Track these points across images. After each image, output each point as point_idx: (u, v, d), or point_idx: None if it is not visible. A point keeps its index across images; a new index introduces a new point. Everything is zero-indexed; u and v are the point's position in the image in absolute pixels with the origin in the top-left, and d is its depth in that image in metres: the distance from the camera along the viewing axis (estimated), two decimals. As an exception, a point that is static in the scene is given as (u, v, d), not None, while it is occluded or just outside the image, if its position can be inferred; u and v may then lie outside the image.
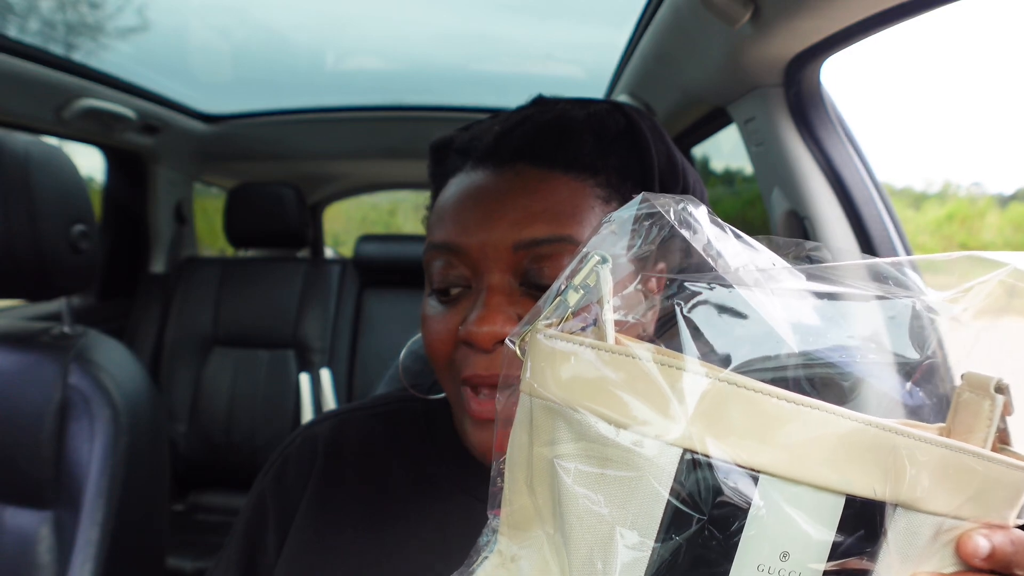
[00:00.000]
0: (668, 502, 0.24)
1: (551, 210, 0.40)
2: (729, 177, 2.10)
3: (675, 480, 0.24)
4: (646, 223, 0.28)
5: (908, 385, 0.30)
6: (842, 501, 0.24)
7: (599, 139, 0.43)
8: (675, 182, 0.46)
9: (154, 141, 1.93)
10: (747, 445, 0.24)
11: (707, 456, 0.24)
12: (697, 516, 0.24)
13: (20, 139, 0.83)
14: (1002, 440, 0.30)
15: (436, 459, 0.50)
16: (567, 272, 0.28)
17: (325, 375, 1.88)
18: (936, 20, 0.70)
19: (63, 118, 1.51)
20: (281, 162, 2.48)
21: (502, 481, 0.29)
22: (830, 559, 0.24)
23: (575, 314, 0.28)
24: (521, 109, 0.46)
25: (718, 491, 0.24)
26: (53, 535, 0.82)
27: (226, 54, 2.06)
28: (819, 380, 0.28)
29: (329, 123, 2.20)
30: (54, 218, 0.84)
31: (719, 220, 0.29)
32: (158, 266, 2.15)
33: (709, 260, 0.27)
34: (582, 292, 0.28)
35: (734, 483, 0.24)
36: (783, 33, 0.78)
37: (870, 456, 0.25)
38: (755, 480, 0.24)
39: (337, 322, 2.05)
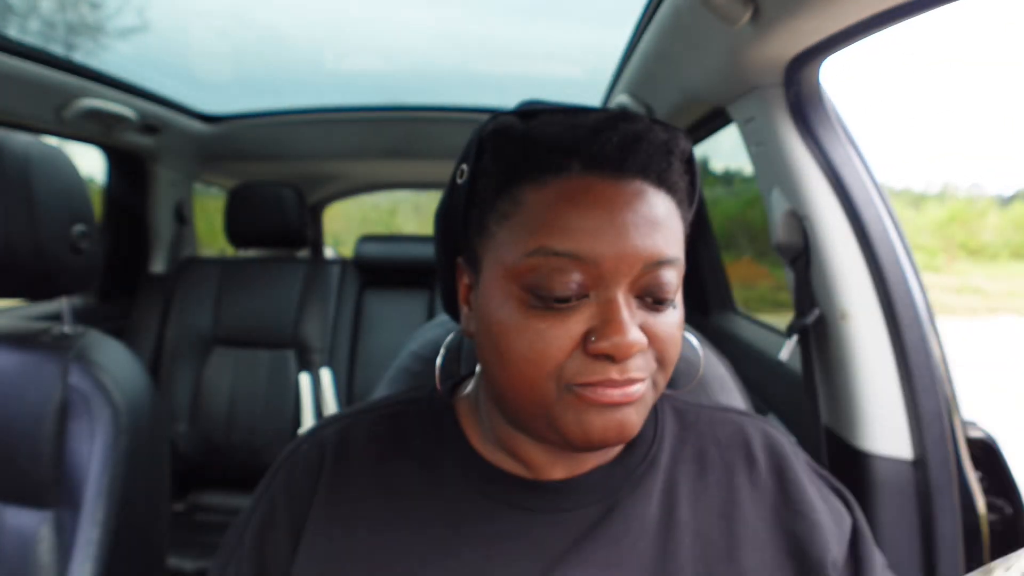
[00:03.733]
0: None
1: (668, 229, 0.43)
2: (729, 177, 2.11)
3: None
4: None
5: None
6: None
7: (681, 163, 0.46)
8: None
9: (154, 141, 1.93)
10: None
11: None
12: None
13: (20, 139, 0.83)
14: None
15: (444, 458, 0.51)
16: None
17: (325, 375, 1.88)
18: (936, 20, 0.70)
19: (63, 118, 1.51)
20: (281, 162, 2.48)
21: None
22: None
23: None
24: (610, 116, 0.44)
25: None
26: (53, 535, 0.82)
27: (226, 54, 2.06)
28: None
29: (329, 123, 2.20)
30: (54, 218, 0.84)
31: None
32: (158, 266, 2.15)
33: None
34: None
35: None
36: (783, 33, 0.79)
37: None
38: None
39: (337, 322, 2.05)
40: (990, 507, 0.85)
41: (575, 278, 0.41)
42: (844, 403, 0.90)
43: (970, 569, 0.83)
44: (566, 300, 0.41)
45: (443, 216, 0.51)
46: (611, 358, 0.41)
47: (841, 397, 0.90)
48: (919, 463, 0.84)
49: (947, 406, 0.85)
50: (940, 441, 0.83)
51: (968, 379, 1.03)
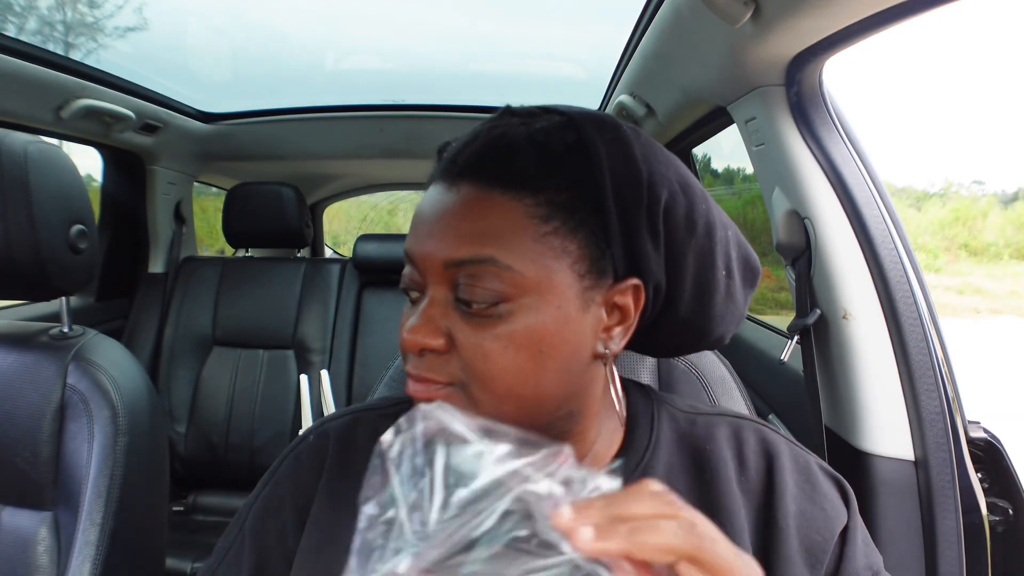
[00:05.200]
0: None
1: (479, 231, 0.41)
2: (729, 177, 2.10)
3: None
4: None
5: None
6: None
7: (544, 156, 0.42)
8: (638, 196, 0.44)
9: (153, 141, 1.93)
10: None
11: None
12: None
13: (19, 139, 0.83)
14: None
15: None
16: None
17: (324, 375, 1.88)
18: (936, 20, 0.70)
19: (62, 118, 1.51)
20: (280, 162, 2.48)
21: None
22: None
23: None
24: (488, 121, 0.46)
25: None
26: (52, 536, 0.81)
27: (225, 54, 2.06)
28: None
29: (329, 123, 2.20)
30: (53, 218, 0.84)
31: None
32: (157, 266, 2.15)
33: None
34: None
35: None
36: (784, 32, 0.78)
37: None
38: None
39: (337, 322, 2.05)
40: (992, 508, 0.85)
41: (408, 273, 0.45)
42: (845, 403, 0.90)
43: (972, 570, 0.83)
44: (409, 292, 0.46)
45: None
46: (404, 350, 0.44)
47: (842, 397, 0.90)
48: (920, 463, 0.84)
49: (949, 406, 0.85)
50: (942, 441, 0.83)
51: (970, 380, 1.03)
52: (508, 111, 0.46)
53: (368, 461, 0.51)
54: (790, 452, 0.53)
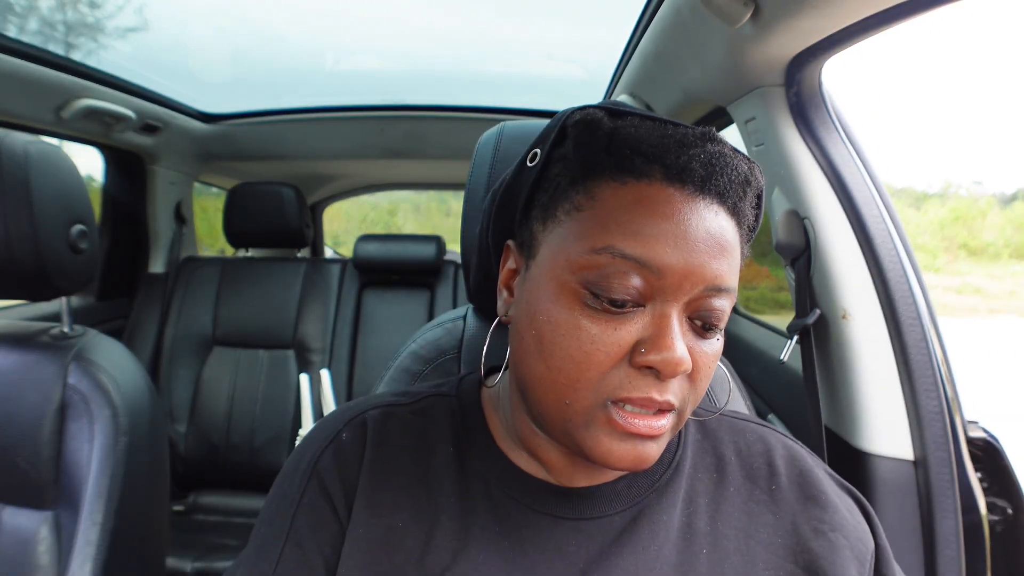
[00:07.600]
0: None
1: (732, 258, 0.43)
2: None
3: None
4: None
5: None
6: None
7: (753, 196, 0.46)
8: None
9: (154, 141, 1.93)
10: None
11: None
12: None
13: (20, 139, 0.83)
14: None
15: (473, 457, 0.51)
16: None
17: (325, 375, 1.88)
18: (936, 20, 0.70)
19: (63, 118, 1.51)
20: (281, 162, 2.48)
21: None
22: None
23: None
24: (698, 134, 0.43)
25: None
26: (52, 535, 0.81)
27: (226, 54, 2.06)
28: None
29: (329, 123, 2.20)
30: (53, 218, 0.84)
31: None
32: (158, 266, 2.15)
33: None
34: None
35: None
36: (783, 33, 0.78)
37: None
38: None
39: (337, 322, 2.05)
40: (991, 507, 0.85)
41: (636, 284, 0.40)
42: (845, 403, 0.90)
43: (971, 570, 0.83)
44: (622, 305, 0.41)
45: (503, 195, 0.50)
46: (657, 374, 0.40)
47: (842, 397, 0.90)
48: (920, 463, 0.84)
49: (948, 406, 0.85)
50: (941, 441, 0.83)
51: (969, 379, 1.03)
52: (716, 135, 0.44)
53: (402, 459, 0.51)
54: (816, 463, 0.53)
